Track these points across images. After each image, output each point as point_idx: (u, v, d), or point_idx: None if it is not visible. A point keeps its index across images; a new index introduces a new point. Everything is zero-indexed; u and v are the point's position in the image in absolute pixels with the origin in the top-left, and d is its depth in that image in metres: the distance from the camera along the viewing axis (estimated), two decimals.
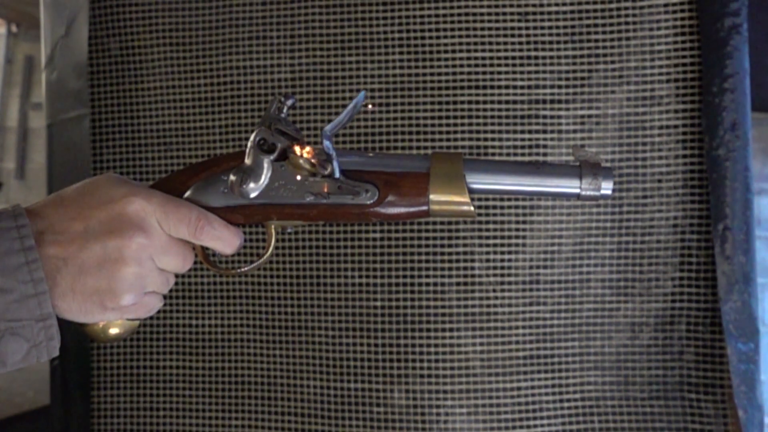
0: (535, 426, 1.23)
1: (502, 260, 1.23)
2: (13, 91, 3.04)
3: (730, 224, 1.17)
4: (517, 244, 1.23)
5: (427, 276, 1.24)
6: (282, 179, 0.70)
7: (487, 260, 1.23)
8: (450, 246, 1.24)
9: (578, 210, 1.22)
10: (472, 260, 1.23)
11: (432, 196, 0.69)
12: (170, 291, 1.35)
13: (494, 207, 1.23)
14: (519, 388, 1.24)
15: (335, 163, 0.69)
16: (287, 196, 0.70)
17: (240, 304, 1.31)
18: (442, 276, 1.24)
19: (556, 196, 0.70)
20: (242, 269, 0.74)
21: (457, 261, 1.24)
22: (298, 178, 0.70)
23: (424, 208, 0.70)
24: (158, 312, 1.34)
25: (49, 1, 1.42)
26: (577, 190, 0.69)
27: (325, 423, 1.27)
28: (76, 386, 1.36)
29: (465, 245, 1.23)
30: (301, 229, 1.27)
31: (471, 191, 0.70)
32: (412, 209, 0.70)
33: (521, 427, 1.23)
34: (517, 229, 1.23)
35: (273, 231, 0.74)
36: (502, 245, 1.23)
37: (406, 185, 0.70)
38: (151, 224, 0.67)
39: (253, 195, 0.70)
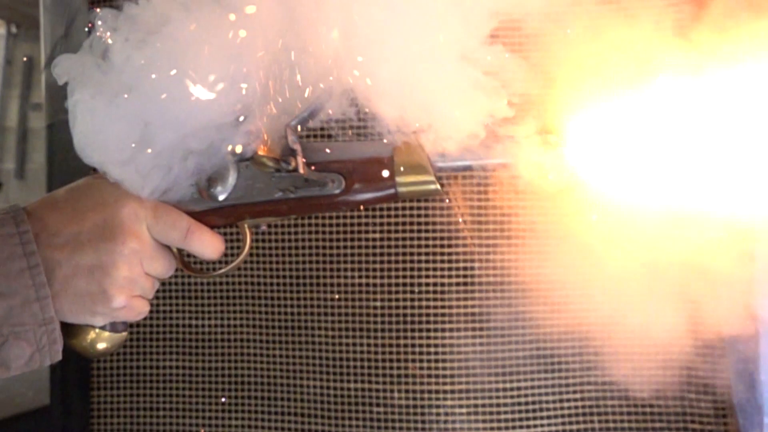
0: (535, 426, 1.23)
1: (502, 260, 1.23)
2: (13, 92, 3.03)
3: None
4: (517, 244, 1.23)
5: (427, 276, 1.24)
6: (249, 179, 0.70)
7: (487, 260, 1.23)
8: (450, 246, 1.24)
9: (579, 211, 1.22)
10: (472, 260, 1.23)
11: (398, 179, 0.70)
12: (170, 291, 1.35)
13: (494, 207, 1.23)
14: (519, 388, 1.24)
15: (299, 158, 0.69)
16: (256, 195, 0.71)
17: (240, 304, 1.31)
18: (442, 276, 1.24)
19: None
20: (220, 271, 0.75)
21: (457, 261, 1.24)
22: (265, 175, 0.70)
23: (392, 191, 0.71)
24: (158, 312, 1.34)
25: (49, 2, 1.42)
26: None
27: (325, 423, 1.27)
28: (76, 386, 1.36)
29: (465, 245, 1.23)
30: (301, 229, 1.28)
31: (436, 170, 0.70)
32: (379, 194, 0.71)
33: (521, 427, 1.23)
34: (516, 229, 1.23)
35: (247, 230, 0.74)
36: (502, 245, 1.23)
37: (371, 171, 0.70)
38: (142, 229, 0.68)
39: (221, 197, 0.70)
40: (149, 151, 0.67)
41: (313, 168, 0.70)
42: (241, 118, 0.69)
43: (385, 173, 0.70)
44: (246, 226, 0.74)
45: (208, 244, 0.71)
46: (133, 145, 0.67)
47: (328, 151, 0.72)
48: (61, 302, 0.65)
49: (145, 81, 0.64)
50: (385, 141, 0.71)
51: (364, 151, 0.72)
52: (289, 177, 0.70)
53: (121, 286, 0.67)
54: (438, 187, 0.71)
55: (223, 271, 0.75)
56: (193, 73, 0.64)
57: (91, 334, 0.71)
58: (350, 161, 0.71)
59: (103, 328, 0.70)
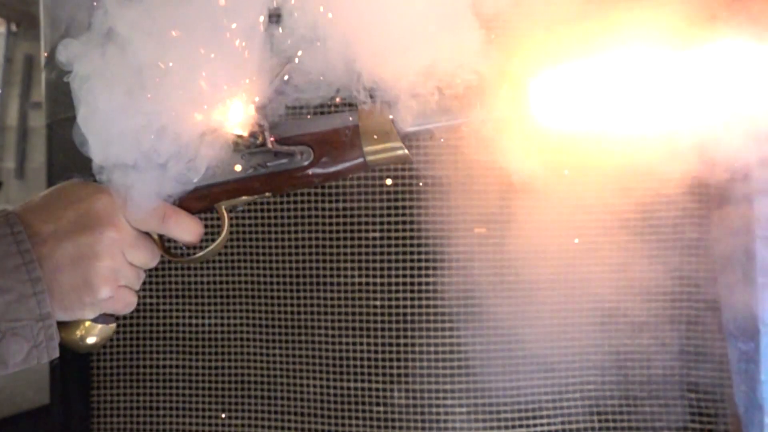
0: (535, 426, 1.23)
1: (501, 260, 1.23)
2: (13, 91, 3.03)
3: None
4: (516, 244, 1.23)
5: (427, 275, 1.24)
6: (220, 158, 0.72)
7: (487, 260, 1.23)
8: (450, 246, 1.24)
9: (579, 209, 1.22)
10: (472, 260, 1.23)
11: (366, 147, 0.71)
12: (170, 290, 1.35)
13: (494, 207, 1.23)
14: (519, 388, 1.24)
15: (266, 133, 0.70)
16: (228, 174, 0.72)
17: (240, 303, 1.31)
18: (442, 275, 1.24)
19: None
20: (200, 254, 0.76)
21: (457, 261, 1.23)
22: (235, 154, 0.71)
23: (360, 160, 0.72)
24: (158, 312, 1.34)
25: (49, 1, 1.42)
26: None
27: (325, 422, 1.27)
28: (76, 386, 1.36)
29: (464, 245, 1.23)
30: (301, 228, 1.27)
31: (402, 135, 0.71)
32: (349, 164, 0.72)
33: (521, 426, 1.23)
34: (516, 229, 1.23)
35: (224, 211, 0.75)
36: (501, 245, 1.23)
37: (337, 141, 0.72)
38: (119, 219, 0.69)
39: (195, 179, 0.72)
40: (168, 141, 0.68)
41: (281, 142, 0.72)
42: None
43: (352, 142, 0.71)
44: (223, 208, 0.75)
45: (186, 227, 0.72)
46: (153, 136, 0.67)
47: (294, 125, 0.73)
48: (51, 300, 0.66)
49: (159, 69, 0.65)
50: (350, 113, 0.72)
51: (330, 122, 0.73)
52: (258, 153, 0.71)
53: (105, 277, 0.68)
54: (406, 152, 0.72)
55: (203, 253, 0.76)
56: (204, 54, 0.65)
57: (81, 329, 0.72)
58: (316, 133, 0.72)
59: (95, 321, 0.71)
